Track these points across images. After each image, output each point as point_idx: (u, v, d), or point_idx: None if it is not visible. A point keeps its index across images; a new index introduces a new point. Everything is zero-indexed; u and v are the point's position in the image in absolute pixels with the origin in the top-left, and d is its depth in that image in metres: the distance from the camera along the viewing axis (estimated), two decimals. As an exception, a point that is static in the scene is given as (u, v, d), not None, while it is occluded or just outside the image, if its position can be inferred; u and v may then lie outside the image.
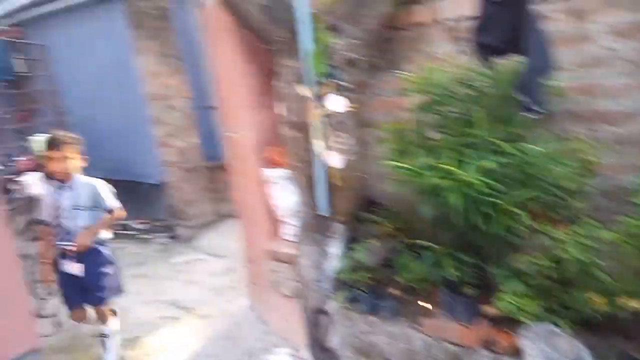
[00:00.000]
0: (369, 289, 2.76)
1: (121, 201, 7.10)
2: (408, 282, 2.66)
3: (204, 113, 5.81)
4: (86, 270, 2.93)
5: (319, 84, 2.46)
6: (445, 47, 2.49)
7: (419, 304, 2.63)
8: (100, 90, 6.34)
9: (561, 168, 1.86)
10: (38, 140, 3.43)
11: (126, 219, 6.77)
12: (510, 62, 1.90)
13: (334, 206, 2.81)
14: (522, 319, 2.05)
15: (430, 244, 2.33)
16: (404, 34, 2.63)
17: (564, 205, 2.01)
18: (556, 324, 2.05)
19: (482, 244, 2.18)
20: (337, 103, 2.49)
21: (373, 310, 2.73)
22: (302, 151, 2.82)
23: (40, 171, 3.48)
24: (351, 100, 2.53)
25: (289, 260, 3.16)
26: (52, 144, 2.82)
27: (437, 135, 2.11)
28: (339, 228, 2.87)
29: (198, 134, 5.44)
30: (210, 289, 4.29)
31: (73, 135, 2.96)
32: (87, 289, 3.00)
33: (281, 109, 2.83)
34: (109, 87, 6.22)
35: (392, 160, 2.15)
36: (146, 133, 5.82)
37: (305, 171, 2.86)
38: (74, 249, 2.88)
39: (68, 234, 2.90)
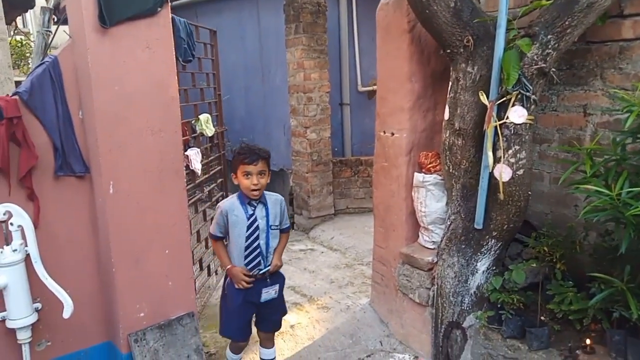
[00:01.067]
0: (517, 312, 2.63)
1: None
2: (564, 313, 2.50)
3: (338, 109, 5.93)
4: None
5: (504, 92, 2.37)
6: (650, 67, 2.28)
7: (574, 338, 2.46)
8: (247, 76, 6.74)
9: None
10: (201, 120, 3.71)
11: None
12: None
13: (490, 220, 2.71)
14: None
15: (606, 277, 2.14)
16: (601, 49, 2.45)
17: None
18: None
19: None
20: (517, 114, 2.39)
21: (519, 335, 2.60)
22: (463, 159, 2.75)
23: (197, 147, 3.76)
24: (531, 112, 2.41)
25: (426, 268, 3.10)
26: (251, 158, 2.42)
27: (643, 162, 1.94)
28: (491, 244, 2.75)
29: (330, 128, 5.55)
30: (328, 281, 4.36)
31: (265, 148, 2.62)
32: (266, 315, 2.74)
33: (447, 114, 2.77)
34: (255, 74, 6.58)
35: (584, 183, 2.00)
36: (282, 122, 6.08)
37: (462, 180, 2.79)
38: (268, 272, 2.59)
39: (260, 257, 2.57)
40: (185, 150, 3.41)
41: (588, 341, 2.32)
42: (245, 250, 2.52)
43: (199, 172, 3.59)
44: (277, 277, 2.66)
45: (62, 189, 2.35)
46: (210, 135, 3.86)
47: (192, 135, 3.69)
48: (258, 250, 2.54)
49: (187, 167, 3.46)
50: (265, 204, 2.57)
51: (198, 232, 3.73)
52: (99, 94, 2.22)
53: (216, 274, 4.22)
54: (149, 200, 2.41)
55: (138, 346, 2.33)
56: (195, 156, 3.45)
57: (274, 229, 2.58)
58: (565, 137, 2.72)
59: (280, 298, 2.74)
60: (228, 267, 2.54)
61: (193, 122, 3.71)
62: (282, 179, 6.46)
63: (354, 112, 6.03)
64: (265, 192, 2.60)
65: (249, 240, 2.52)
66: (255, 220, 2.52)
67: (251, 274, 2.53)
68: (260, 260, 2.54)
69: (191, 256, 2.71)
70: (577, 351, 2.34)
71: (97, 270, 2.48)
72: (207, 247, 3.96)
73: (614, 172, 1.95)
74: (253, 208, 2.53)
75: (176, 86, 2.44)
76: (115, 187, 2.31)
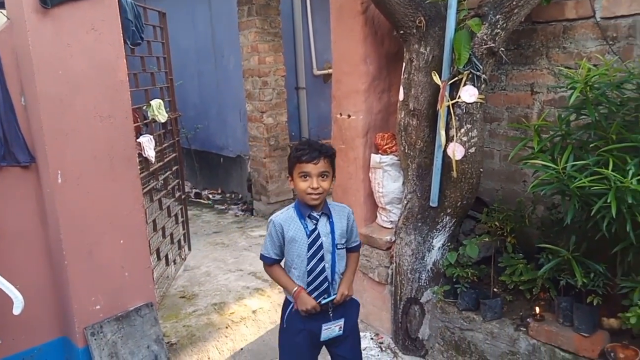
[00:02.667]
0: (471, 286, 2.74)
1: (199, 172, 7.28)
2: (515, 284, 2.61)
3: (293, 93, 5.89)
4: (345, 327, 2.11)
5: (455, 72, 2.42)
6: (591, 46, 2.39)
7: (525, 307, 2.59)
8: (199, 61, 6.57)
9: None
10: (153, 105, 3.59)
11: (201, 189, 7.06)
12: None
13: (444, 198, 2.78)
14: (653, 335, 1.96)
15: (554, 247, 2.26)
16: (546, 29, 2.54)
17: None
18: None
19: (616, 253, 2.10)
20: (468, 93, 2.45)
21: (474, 307, 2.70)
22: (418, 139, 2.80)
23: (150, 134, 3.65)
24: (482, 91, 2.48)
25: (384, 247, 3.16)
26: (310, 155, 1.91)
27: (587, 137, 2.03)
28: (446, 220, 2.84)
29: (287, 113, 5.52)
30: (289, 265, 4.37)
31: (329, 145, 2.07)
32: (344, 349, 2.15)
33: (401, 95, 2.81)
34: (208, 59, 6.42)
35: (532, 159, 2.09)
36: (237, 107, 5.98)
37: (418, 160, 2.84)
38: (333, 303, 2.04)
39: (327, 283, 2.03)
40: (138, 137, 3.31)
41: (538, 309, 2.44)
42: (309, 275, 2.01)
43: (153, 159, 3.50)
44: (343, 310, 2.10)
45: (6, 180, 2.23)
46: (163, 121, 3.75)
47: (144, 121, 3.57)
48: (324, 275, 2.02)
49: (140, 154, 3.36)
50: (329, 217, 2.05)
51: (154, 221, 3.64)
52: (41, 79, 2.11)
53: (174, 263, 4.14)
54: (100, 189, 2.32)
55: (95, 339, 2.27)
56: (148, 143, 3.35)
57: (341, 249, 2.07)
58: (514, 115, 2.82)
59: (353, 337, 2.18)
60: (296, 289, 2.01)
61: (144, 107, 3.60)
62: (239, 165, 6.39)
63: (310, 96, 6.02)
64: (330, 201, 2.10)
65: (312, 263, 2.00)
66: (317, 237, 2.00)
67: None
68: (327, 287, 2.03)
69: (148, 245, 2.64)
70: (528, 319, 2.46)
71: (48, 264, 2.38)
72: (164, 236, 3.87)
73: (560, 147, 2.04)
74: (315, 222, 2.02)
75: (125, 69, 2.35)
76: (63, 177, 2.22)
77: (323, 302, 2.01)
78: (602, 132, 1.95)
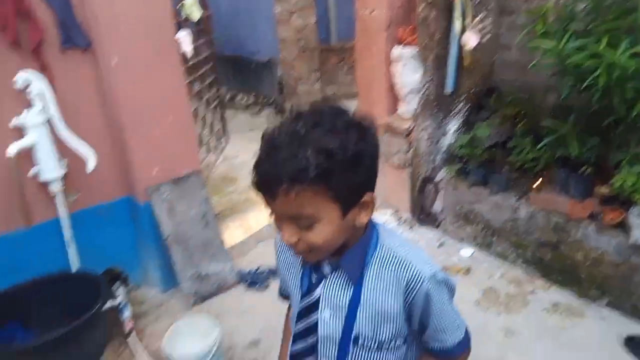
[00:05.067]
0: (481, 165, 3.01)
1: (232, 76, 7.40)
2: (521, 163, 2.86)
3: (322, -7, 5.92)
4: None
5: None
6: None
7: (528, 183, 2.84)
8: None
9: None
10: (186, 3, 3.77)
11: (235, 93, 7.32)
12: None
13: (459, 86, 3.00)
14: (636, 198, 2.21)
15: (555, 125, 2.48)
16: None
17: None
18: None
19: (608, 127, 2.32)
20: (485, -19, 2.58)
21: (482, 183, 2.99)
22: (436, 30, 2.97)
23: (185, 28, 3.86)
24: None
25: (404, 134, 3.44)
26: (266, 182, 0.83)
27: (588, 20, 2.18)
28: (460, 107, 3.07)
29: (316, 14, 5.59)
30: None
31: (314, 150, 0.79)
32: None
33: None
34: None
35: (538, 42, 2.26)
36: (265, 9, 6.06)
37: (436, 50, 3.03)
38: None
39: None
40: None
41: (540, 180, 2.70)
42: None
43: (190, 54, 3.74)
44: None
45: (70, 62, 2.51)
46: (197, 18, 3.94)
47: (178, 20, 3.77)
48: None
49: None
50: (354, 277, 0.95)
51: (196, 109, 3.97)
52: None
53: (215, 150, 4.54)
54: (148, 71, 2.59)
55: (155, 196, 2.70)
56: (185, 38, 3.58)
57: (370, 350, 0.97)
58: (531, 7, 2.92)
59: None
60: None
61: (178, 7, 3.78)
62: (270, 69, 6.58)
63: (339, -2, 6.04)
64: (385, 232, 1.01)
65: (297, 346, 1.06)
66: (313, 309, 1.00)
67: None
68: None
69: (192, 122, 2.99)
70: (530, 192, 2.74)
71: (110, 137, 2.74)
72: (204, 126, 4.24)
73: (562, 30, 2.20)
74: (318, 277, 1.00)
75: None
76: (116, 60, 2.49)
77: None
78: (602, 17, 2.10)
